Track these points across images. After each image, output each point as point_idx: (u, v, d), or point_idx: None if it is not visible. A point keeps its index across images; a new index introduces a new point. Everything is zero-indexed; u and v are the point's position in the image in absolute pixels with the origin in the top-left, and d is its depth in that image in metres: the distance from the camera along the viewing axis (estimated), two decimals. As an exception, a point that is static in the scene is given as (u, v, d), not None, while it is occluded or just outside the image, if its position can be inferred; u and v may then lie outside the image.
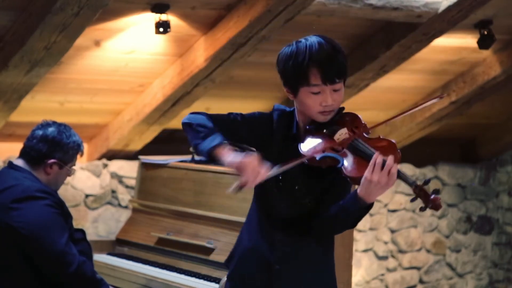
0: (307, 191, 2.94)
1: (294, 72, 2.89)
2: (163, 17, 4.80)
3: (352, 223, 2.89)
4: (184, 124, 2.94)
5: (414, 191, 2.75)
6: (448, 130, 6.93)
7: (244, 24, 4.81)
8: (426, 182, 2.75)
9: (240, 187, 2.77)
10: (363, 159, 2.79)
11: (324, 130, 2.91)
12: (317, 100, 2.88)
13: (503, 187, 7.41)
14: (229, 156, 2.80)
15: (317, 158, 2.83)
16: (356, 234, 6.77)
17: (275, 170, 2.83)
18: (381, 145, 2.82)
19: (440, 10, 5.14)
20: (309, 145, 2.88)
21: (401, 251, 7.06)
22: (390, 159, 2.73)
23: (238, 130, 2.95)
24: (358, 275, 6.84)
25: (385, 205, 6.97)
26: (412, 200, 2.74)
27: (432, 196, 2.70)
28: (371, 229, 6.93)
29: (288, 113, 3.01)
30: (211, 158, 2.83)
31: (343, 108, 2.98)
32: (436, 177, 7.17)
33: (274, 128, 2.98)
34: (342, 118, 2.93)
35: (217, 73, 5.25)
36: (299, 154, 2.86)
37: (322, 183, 2.93)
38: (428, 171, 7.15)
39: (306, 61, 2.86)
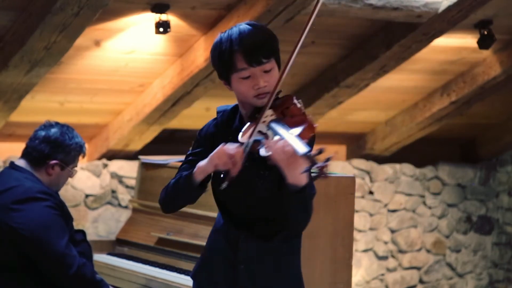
0: (255, 182, 2.87)
1: (221, 61, 2.85)
2: (163, 17, 4.80)
3: (305, 209, 2.79)
4: (161, 198, 2.97)
5: (307, 162, 2.59)
6: (448, 130, 6.93)
7: (244, 24, 4.81)
8: (319, 151, 2.58)
9: (230, 178, 2.74)
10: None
11: (256, 115, 2.81)
12: (249, 84, 2.82)
13: (503, 187, 7.41)
14: (201, 165, 2.80)
15: (248, 144, 2.76)
16: (356, 234, 6.77)
17: (245, 141, 2.76)
18: (295, 121, 2.72)
19: (440, 10, 5.14)
20: (244, 132, 2.80)
21: (401, 251, 7.06)
22: (281, 142, 2.62)
23: (203, 155, 2.87)
24: (358, 275, 6.84)
25: (385, 205, 6.97)
26: (305, 171, 2.58)
27: (320, 164, 2.53)
28: (371, 229, 6.93)
29: (231, 109, 2.95)
30: (195, 184, 2.82)
31: (279, 92, 2.87)
32: (436, 177, 7.17)
33: (220, 130, 2.93)
34: (276, 101, 2.83)
35: (217, 73, 5.24)
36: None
37: (269, 173, 2.85)
38: (428, 171, 7.15)
39: (229, 47, 2.81)
